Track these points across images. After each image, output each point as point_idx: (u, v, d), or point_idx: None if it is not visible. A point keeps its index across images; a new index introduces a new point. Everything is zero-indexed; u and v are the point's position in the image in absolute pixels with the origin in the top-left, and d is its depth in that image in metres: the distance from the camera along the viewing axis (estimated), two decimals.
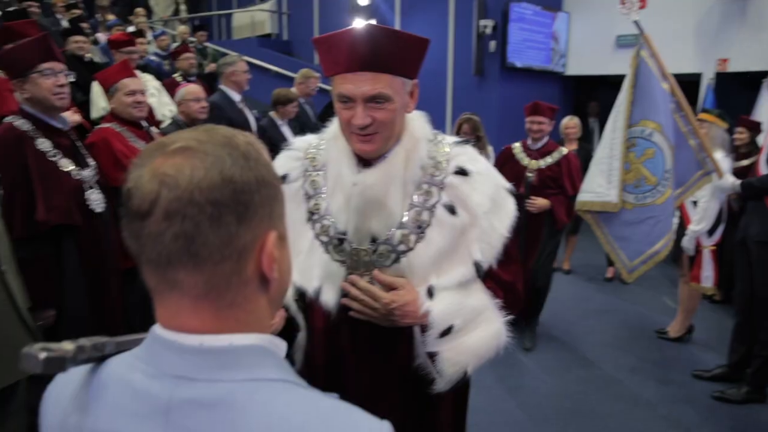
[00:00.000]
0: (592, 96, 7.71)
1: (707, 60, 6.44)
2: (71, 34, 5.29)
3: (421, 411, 1.47)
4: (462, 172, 1.38)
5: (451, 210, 1.35)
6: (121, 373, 0.65)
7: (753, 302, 3.34)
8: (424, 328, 1.34)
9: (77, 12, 7.39)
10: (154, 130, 3.19)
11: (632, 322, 4.56)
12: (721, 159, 3.62)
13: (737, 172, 3.72)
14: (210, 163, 0.60)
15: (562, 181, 3.86)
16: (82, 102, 4.68)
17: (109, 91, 2.85)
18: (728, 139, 3.91)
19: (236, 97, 4.37)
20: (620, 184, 3.75)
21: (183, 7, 12.02)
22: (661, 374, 3.69)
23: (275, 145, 4.46)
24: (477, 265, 1.37)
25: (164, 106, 4.93)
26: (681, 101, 3.55)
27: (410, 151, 1.35)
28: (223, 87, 4.39)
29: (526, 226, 3.77)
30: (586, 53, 7.59)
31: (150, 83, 5.01)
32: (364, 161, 1.35)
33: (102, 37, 7.28)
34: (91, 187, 2.33)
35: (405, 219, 1.34)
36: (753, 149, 4.10)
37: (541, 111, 3.87)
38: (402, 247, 1.34)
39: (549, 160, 3.89)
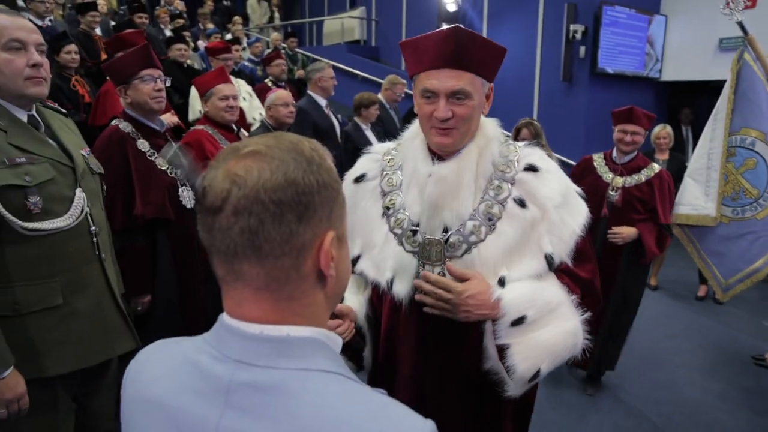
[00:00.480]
0: (687, 103, 7.28)
1: None
2: (174, 42, 5.68)
3: (482, 418, 1.47)
4: (532, 168, 1.43)
5: (521, 203, 1.39)
6: (190, 353, 0.72)
7: None
8: (495, 322, 1.34)
9: (180, 22, 7.93)
10: (243, 132, 3.37)
11: (725, 346, 4.26)
12: None
13: None
14: (275, 166, 0.65)
15: (654, 204, 3.18)
16: (180, 105, 5.02)
17: (204, 95, 3.04)
18: None
19: (322, 102, 4.51)
20: (719, 197, 3.53)
21: (277, 15, 12.53)
22: (756, 404, 3.42)
23: (359, 149, 4.59)
24: (548, 258, 1.38)
25: (255, 110, 5.17)
26: None
27: (483, 148, 1.42)
28: (310, 92, 4.55)
29: (601, 260, 2.88)
30: (685, 57, 7.17)
31: (242, 88, 5.28)
32: (439, 157, 1.43)
33: (202, 44, 7.76)
34: (183, 185, 2.50)
35: (476, 211, 1.39)
36: None
37: (636, 118, 3.17)
38: (473, 238, 1.38)
39: (638, 177, 3.22)
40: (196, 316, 2.50)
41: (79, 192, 1.69)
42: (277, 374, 0.66)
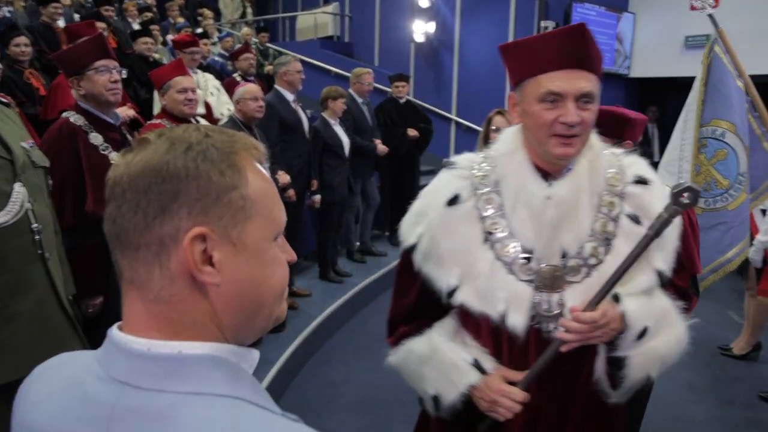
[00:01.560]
0: (653, 100, 7.38)
1: None
2: (140, 35, 5.53)
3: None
4: (642, 181, 1.35)
5: (636, 220, 1.31)
6: (79, 373, 0.64)
7: None
8: (610, 343, 1.31)
9: (149, 15, 7.73)
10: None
11: (694, 336, 4.25)
12: None
13: None
14: (149, 153, 0.61)
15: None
16: (146, 99, 4.89)
17: (161, 88, 2.93)
18: None
19: (290, 96, 4.41)
20: None
21: (250, 10, 12.34)
22: (723, 394, 3.45)
23: (329, 144, 4.50)
24: (660, 274, 1.33)
25: (223, 105, 5.06)
26: (756, 101, 3.32)
27: (592, 162, 1.32)
28: (277, 86, 4.45)
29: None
30: (653, 55, 7.28)
31: (210, 82, 5.16)
32: (545, 175, 1.32)
33: (171, 38, 7.58)
34: None
35: (593, 230, 1.30)
36: None
37: None
38: (592, 261, 1.29)
39: None
40: None
41: (18, 186, 1.59)
42: (165, 399, 0.57)
